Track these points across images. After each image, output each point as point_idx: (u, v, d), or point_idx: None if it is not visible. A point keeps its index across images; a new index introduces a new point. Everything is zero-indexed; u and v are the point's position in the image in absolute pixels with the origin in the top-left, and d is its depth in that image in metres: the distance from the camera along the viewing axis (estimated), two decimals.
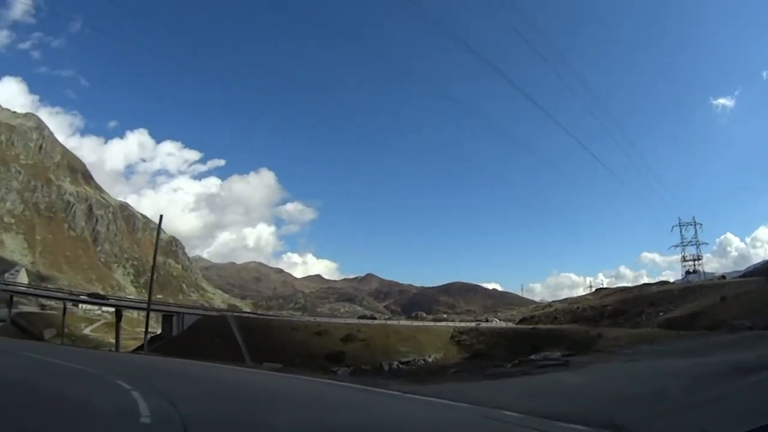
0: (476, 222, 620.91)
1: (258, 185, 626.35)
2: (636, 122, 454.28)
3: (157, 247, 71.72)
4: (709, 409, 11.86)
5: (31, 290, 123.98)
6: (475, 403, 13.39)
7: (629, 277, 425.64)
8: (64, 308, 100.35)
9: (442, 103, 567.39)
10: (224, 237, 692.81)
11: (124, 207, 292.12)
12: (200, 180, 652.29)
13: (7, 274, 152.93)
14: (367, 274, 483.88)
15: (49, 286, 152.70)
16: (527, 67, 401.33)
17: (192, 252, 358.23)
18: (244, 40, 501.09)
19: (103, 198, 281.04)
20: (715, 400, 12.71)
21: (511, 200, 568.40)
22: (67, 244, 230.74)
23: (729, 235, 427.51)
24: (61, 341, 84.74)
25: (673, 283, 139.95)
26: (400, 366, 69.59)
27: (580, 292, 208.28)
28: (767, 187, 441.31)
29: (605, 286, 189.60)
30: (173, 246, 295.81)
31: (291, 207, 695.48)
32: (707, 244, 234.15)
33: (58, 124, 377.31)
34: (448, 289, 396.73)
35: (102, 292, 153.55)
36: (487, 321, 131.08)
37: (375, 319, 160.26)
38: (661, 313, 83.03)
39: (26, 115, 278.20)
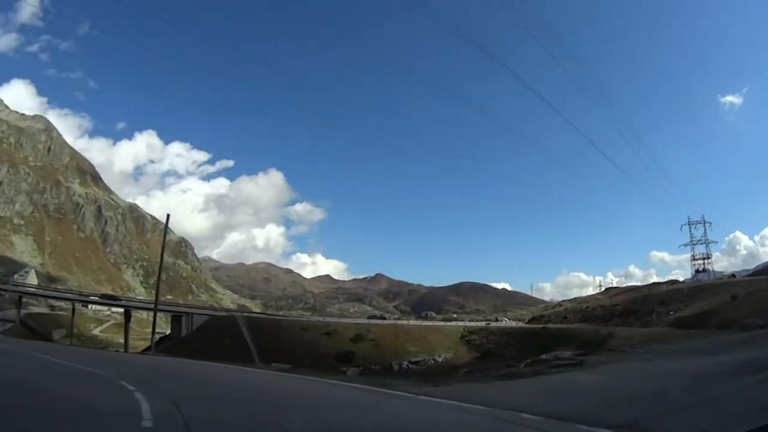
0: (485, 221, 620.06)
1: (267, 186, 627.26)
2: (644, 120, 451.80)
3: (164, 247, 71.59)
4: (731, 405, 11.69)
5: (40, 291, 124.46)
6: (489, 404, 12.93)
7: (638, 276, 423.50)
8: (73, 309, 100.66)
9: (449, 101, 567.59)
10: (233, 238, 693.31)
11: (133, 208, 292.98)
12: (209, 181, 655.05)
13: (16, 276, 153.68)
14: (377, 274, 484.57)
15: (59, 287, 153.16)
16: (535, 64, 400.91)
17: (201, 253, 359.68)
18: (252, 41, 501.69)
19: (112, 199, 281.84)
20: (737, 397, 12.55)
21: (520, 199, 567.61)
22: (76, 245, 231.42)
23: (738, 234, 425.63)
24: (70, 342, 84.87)
25: (682, 282, 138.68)
26: (410, 366, 69.12)
27: (590, 291, 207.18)
28: None
29: (614, 285, 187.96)
30: (182, 247, 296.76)
31: (300, 207, 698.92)
32: (716, 242, 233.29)
33: (67, 126, 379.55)
34: (458, 288, 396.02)
35: (111, 293, 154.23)
36: (496, 320, 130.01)
37: (384, 319, 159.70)
38: (671, 312, 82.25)
39: (35, 117, 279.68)
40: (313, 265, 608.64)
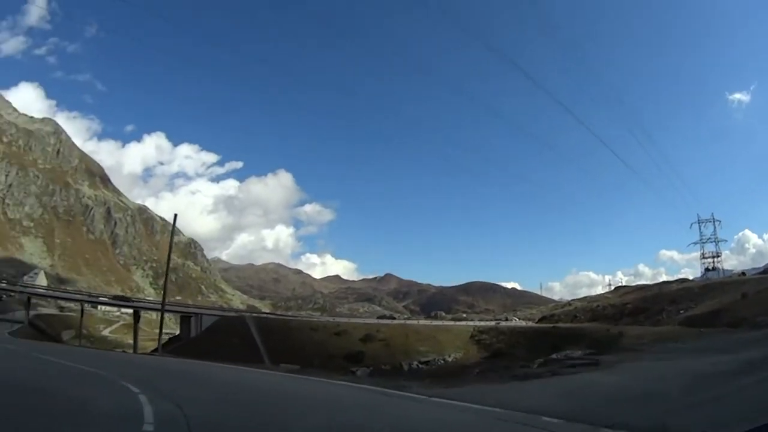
0: (495, 221, 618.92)
1: (276, 187, 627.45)
2: (652, 118, 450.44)
3: (172, 247, 71.01)
4: (757, 402, 11.36)
5: (49, 292, 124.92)
6: (505, 406, 12.28)
7: (648, 275, 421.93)
8: (82, 310, 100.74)
9: (459, 101, 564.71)
10: (243, 239, 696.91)
11: (142, 210, 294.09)
12: (218, 182, 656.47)
13: (25, 277, 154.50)
14: (386, 274, 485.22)
15: (68, 288, 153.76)
16: (545, 63, 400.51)
17: (211, 254, 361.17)
18: (260, 42, 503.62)
19: (122, 201, 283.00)
20: (762, 394, 12.43)
21: (529, 199, 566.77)
22: (86, 247, 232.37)
23: (747, 232, 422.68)
24: (78, 343, 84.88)
25: (692, 280, 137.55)
26: (420, 366, 68.61)
27: (599, 290, 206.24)
28: None
29: (624, 284, 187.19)
30: (192, 248, 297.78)
31: (309, 208, 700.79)
32: (726, 241, 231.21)
33: (76, 129, 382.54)
34: (467, 288, 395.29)
35: (123, 294, 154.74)
36: (506, 320, 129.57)
37: (394, 318, 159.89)
38: (681, 311, 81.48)
39: (43, 119, 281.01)
40: (323, 266, 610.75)
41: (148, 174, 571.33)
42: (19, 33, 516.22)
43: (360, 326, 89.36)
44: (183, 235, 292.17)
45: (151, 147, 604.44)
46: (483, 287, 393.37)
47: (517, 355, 54.17)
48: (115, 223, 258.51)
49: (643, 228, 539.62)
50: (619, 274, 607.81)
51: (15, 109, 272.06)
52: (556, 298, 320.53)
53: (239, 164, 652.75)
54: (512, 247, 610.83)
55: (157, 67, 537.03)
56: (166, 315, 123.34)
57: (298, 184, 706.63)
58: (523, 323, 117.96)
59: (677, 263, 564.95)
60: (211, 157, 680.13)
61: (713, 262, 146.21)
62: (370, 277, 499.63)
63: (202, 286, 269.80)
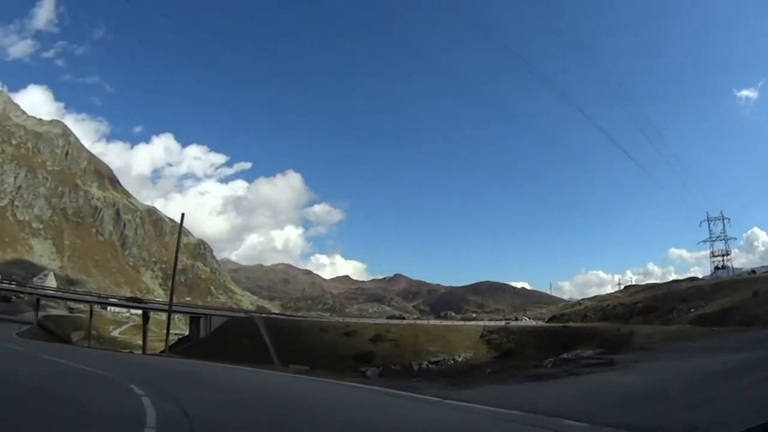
0: (504, 220, 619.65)
1: (285, 187, 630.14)
2: (660, 116, 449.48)
3: (179, 245, 70.99)
4: None
5: (58, 293, 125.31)
6: (524, 409, 11.45)
7: (657, 274, 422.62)
8: (91, 311, 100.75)
9: (468, 100, 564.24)
10: (252, 239, 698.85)
11: (151, 211, 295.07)
12: (227, 183, 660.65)
13: (35, 279, 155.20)
14: (396, 275, 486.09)
15: (78, 289, 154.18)
16: (554, 61, 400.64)
17: (220, 255, 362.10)
18: (268, 42, 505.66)
19: (131, 203, 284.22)
20: None
21: (538, 198, 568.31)
22: (95, 248, 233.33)
23: (756, 230, 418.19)
24: (88, 344, 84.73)
25: (702, 279, 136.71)
26: (430, 366, 68.34)
27: (608, 289, 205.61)
28: None
29: (633, 283, 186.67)
30: (201, 249, 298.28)
31: (318, 209, 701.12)
32: (735, 239, 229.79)
33: (84, 131, 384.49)
34: (477, 288, 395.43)
35: (135, 296, 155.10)
36: (516, 320, 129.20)
37: (404, 319, 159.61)
38: (692, 310, 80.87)
39: (52, 122, 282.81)
40: (332, 266, 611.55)
41: (157, 175, 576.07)
42: (27, 36, 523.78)
43: (370, 326, 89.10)
44: (192, 236, 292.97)
45: (159, 148, 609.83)
46: (492, 287, 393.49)
47: (528, 355, 53.96)
48: (125, 225, 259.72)
49: (652, 226, 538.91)
50: (629, 273, 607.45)
51: (24, 112, 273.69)
52: (565, 297, 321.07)
53: (248, 165, 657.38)
54: (521, 246, 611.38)
55: (165, 68, 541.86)
56: (176, 316, 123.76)
57: (307, 185, 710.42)
58: (533, 323, 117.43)
59: (686, 262, 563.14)
60: (219, 158, 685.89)
61: (723, 260, 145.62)
62: (380, 277, 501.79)
63: (212, 287, 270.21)
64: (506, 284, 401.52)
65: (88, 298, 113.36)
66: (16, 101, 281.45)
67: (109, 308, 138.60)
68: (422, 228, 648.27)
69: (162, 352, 65.73)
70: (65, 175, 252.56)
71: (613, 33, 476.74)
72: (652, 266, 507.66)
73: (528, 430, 9.74)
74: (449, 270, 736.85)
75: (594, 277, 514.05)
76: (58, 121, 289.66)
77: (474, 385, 19.97)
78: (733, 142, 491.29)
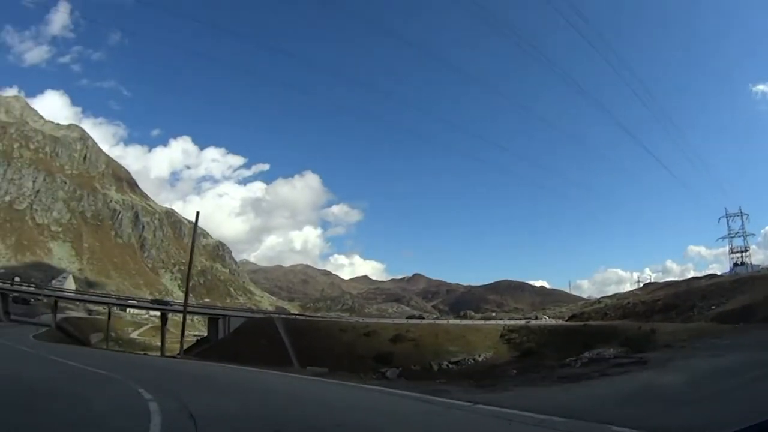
0: (522, 219, 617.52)
1: (303, 188, 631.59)
2: (677, 113, 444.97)
3: (194, 244, 70.60)
4: None
5: (76, 295, 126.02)
6: (565, 414, 10.24)
7: (676, 271, 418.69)
8: (109, 313, 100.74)
9: (487, 98, 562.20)
10: (271, 240, 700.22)
11: (170, 213, 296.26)
12: (245, 185, 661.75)
13: (54, 281, 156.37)
14: (415, 274, 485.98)
15: (97, 291, 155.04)
16: (574, 58, 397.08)
17: (239, 256, 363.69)
18: (286, 42, 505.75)
19: (149, 205, 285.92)
20: None
21: (558, 196, 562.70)
22: (114, 250, 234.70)
23: None
24: (106, 345, 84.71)
25: (721, 275, 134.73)
26: (450, 366, 67.19)
27: (627, 287, 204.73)
28: None
29: (652, 280, 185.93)
30: (220, 250, 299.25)
31: (337, 209, 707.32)
32: (754, 235, 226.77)
33: (102, 135, 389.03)
34: (496, 287, 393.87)
35: (150, 297, 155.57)
36: (536, 318, 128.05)
37: (423, 318, 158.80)
38: (713, 307, 79.41)
39: (69, 126, 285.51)
40: (351, 267, 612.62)
41: (175, 178, 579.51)
42: (43, 42, 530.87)
43: (389, 327, 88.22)
44: (211, 237, 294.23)
45: (177, 151, 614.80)
46: (511, 286, 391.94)
47: (548, 354, 52.94)
48: (143, 227, 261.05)
49: (671, 223, 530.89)
50: (647, 271, 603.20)
51: (41, 117, 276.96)
52: (584, 295, 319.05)
53: (266, 166, 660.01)
54: (540, 245, 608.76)
55: (181, 71, 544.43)
56: (195, 317, 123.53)
57: (326, 185, 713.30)
58: (553, 322, 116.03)
59: (705, 259, 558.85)
60: (237, 160, 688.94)
61: (742, 256, 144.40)
62: (399, 277, 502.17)
63: (231, 288, 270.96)
64: (525, 283, 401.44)
65: (106, 299, 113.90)
66: (33, 106, 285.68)
67: (128, 310, 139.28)
68: (441, 228, 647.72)
69: (179, 354, 65.33)
70: (83, 178, 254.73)
71: (633, 29, 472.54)
72: (670, 264, 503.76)
73: None
74: (468, 269, 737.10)
75: (613, 275, 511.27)
76: (76, 126, 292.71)
77: (500, 387, 18.84)
78: (750, 137, 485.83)
